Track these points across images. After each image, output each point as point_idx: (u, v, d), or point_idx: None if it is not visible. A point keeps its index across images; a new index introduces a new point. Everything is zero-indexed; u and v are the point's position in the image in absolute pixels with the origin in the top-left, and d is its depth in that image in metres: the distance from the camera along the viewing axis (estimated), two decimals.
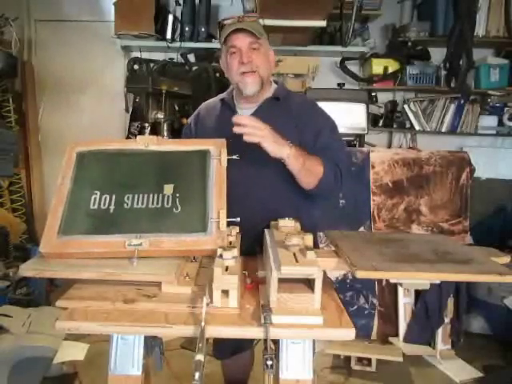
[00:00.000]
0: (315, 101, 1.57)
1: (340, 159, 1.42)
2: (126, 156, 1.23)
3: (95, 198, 1.13)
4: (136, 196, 1.14)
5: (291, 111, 1.47)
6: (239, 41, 1.40)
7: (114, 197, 1.14)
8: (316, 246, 1.44)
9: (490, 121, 3.43)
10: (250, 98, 1.47)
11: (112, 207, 1.12)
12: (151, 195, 1.14)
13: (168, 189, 1.15)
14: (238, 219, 1.13)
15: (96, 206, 1.12)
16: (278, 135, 1.26)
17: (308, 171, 1.32)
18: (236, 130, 1.21)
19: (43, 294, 2.74)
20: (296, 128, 1.43)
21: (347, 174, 1.46)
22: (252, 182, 1.39)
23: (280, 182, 1.41)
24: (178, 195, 1.14)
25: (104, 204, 1.12)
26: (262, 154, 1.40)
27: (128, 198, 1.13)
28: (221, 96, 1.59)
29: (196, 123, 1.59)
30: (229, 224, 1.11)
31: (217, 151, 1.22)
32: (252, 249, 1.29)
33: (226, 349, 1.61)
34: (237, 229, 1.22)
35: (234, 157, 1.20)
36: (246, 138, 1.21)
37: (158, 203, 1.12)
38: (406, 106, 3.44)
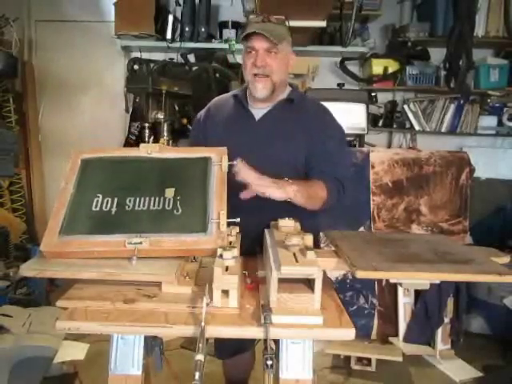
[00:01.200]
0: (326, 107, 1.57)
1: (343, 172, 1.44)
2: (128, 163, 1.26)
3: (97, 201, 1.15)
4: (138, 199, 1.15)
5: (303, 115, 1.47)
6: (257, 43, 1.38)
7: (115, 199, 1.15)
8: (317, 246, 1.44)
9: (489, 121, 3.43)
10: (259, 99, 1.47)
11: (114, 209, 1.13)
12: (152, 198, 1.15)
13: (169, 192, 1.17)
14: (238, 220, 1.13)
15: (98, 208, 1.14)
16: (278, 180, 1.25)
17: (312, 199, 1.33)
18: (243, 195, 1.20)
19: (43, 293, 2.74)
20: (305, 132, 1.44)
21: (349, 184, 1.48)
22: None
23: None
24: (179, 198, 1.15)
25: (106, 206, 1.14)
26: (264, 154, 1.40)
27: (130, 201, 1.15)
28: (234, 92, 1.58)
29: (206, 118, 1.57)
30: (229, 224, 1.12)
31: (218, 158, 1.24)
32: (252, 249, 1.29)
33: (227, 349, 1.61)
34: (237, 229, 1.22)
35: (235, 162, 1.22)
36: (253, 190, 1.20)
37: (159, 205, 1.14)
38: (405, 106, 3.44)
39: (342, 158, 1.47)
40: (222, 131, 1.50)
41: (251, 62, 1.40)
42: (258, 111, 1.49)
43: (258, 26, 1.39)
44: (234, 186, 1.19)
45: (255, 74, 1.41)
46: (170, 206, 1.13)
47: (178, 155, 1.28)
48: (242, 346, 1.59)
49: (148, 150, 1.27)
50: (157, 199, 1.15)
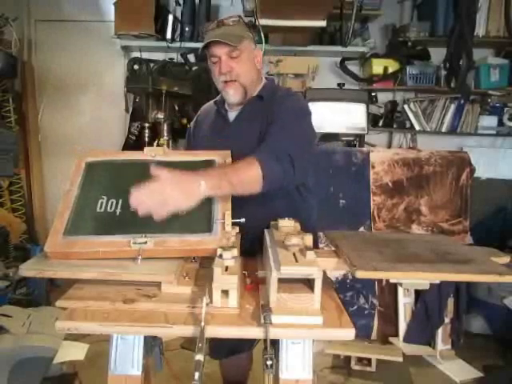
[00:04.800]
0: (302, 97, 1.53)
1: (296, 147, 1.26)
2: (133, 165, 1.27)
3: (102, 202, 1.16)
4: None
5: (271, 108, 1.42)
6: (217, 50, 1.37)
7: (120, 201, 1.16)
8: (316, 246, 1.44)
9: (489, 121, 3.43)
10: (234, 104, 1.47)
11: (118, 210, 1.14)
12: None
13: None
14: (243, 220, 1.13)
15: (102, 209, 1.15)
16: (182, 177, 1.05)
17: (240, 185, 1.15)
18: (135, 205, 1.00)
19: (43, 294, 2.74)
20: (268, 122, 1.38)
21: (304, 163, 1.31)
22: None
23: None
24: None
25: (110, 207, 1.15)
26: (240, 155, 1.39)
27: None
28: (216, 98, 1.59)
29: (195, 127, 1.62)
30: (233, 224, 1.13)
31: (222, 161, 1.26)
32: (252, 249, 1.29)
33: (221, 349, 1.61)
34: (237, 229, 1.22)
35: None
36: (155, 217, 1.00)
37: None
38: (405, 106, 3.44)
39: (294, 132, 1.31)
40: (204, 138, 1.53)
41: (217, 70, 1.40)
42: (232, 114, 1.50)
43: (213, 33, 1.38)
44: None
45: (223, 81, 1.41)
46: None
47: (182, 158, 1.30)
48: (237, 348, 1.58)
49: (152, 154, 1.29)
50: None
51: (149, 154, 1.29)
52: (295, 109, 1.39)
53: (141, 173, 1.24)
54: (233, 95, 1.42)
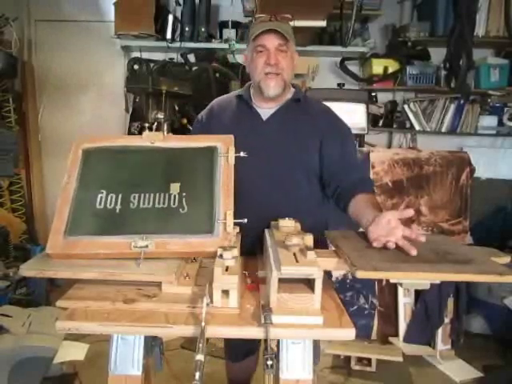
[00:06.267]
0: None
1: (365, 169, 1.48)
2: (131, 153, 1.22)
3: (101, 198, 1.12)
4: (142, 195, 1.13)
5: (310, 114, 1.48)
6: (268, 41, 1.38)
7: (120, 196, 1.13)
8: (323, 244, 1.42)
9: (489, 121, 3.43)
10: (269, 98, 1.45)
11: (118, 207, 1.11)
12: (157, 195, 1.13)
13: (174, 188, 1.14)
14: (245, 220, 1.11)
15: (102, 206, 1.11)
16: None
17: None
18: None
19: (43, 294, 2.74)
20: (316, 131, 1.44)
21: None
22: (258, 181, 1.40)
23: (286, 183, 1.41)
24: (184, 194, 1.12)
25: (110, 203, 1.12)
26: (274, 154, 1.40)
27: (134, 198, 1.12)
28: (236, 92, 1.56)
29: (210, 118, 1.55)
30: (234, 225, 1.10)
31: (224, 148, 1.20)
32: (252, 249, 1.29)
33: (240, 352, 1.62)
34: (237, 229, 1.21)
35: (242, 154, 1.18)
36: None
37: (164, 203, 1.11)
38: (405, 106, 3.44)
39: (357, 156, 1.51)
40: (227, 131, 1.48)
41: (263, 60, 1.40)
42: (265, 111, 1.48)
43: (266, 24, 1.39)
44: (240, 179, 1.17)
45: (266, 73, 1.40)
46: (176, 204, 1.11)
47: (183, 144, 1.23)
48: (251, 348, 1.60)
49: (151, 139, 1.23)
50: (162, 196, 1.12)
51: (148, 139, 1.23)
52: (351, 131, 1.56)
53: (139, 162, 1.19)
54: (273, 87, 1.41)
